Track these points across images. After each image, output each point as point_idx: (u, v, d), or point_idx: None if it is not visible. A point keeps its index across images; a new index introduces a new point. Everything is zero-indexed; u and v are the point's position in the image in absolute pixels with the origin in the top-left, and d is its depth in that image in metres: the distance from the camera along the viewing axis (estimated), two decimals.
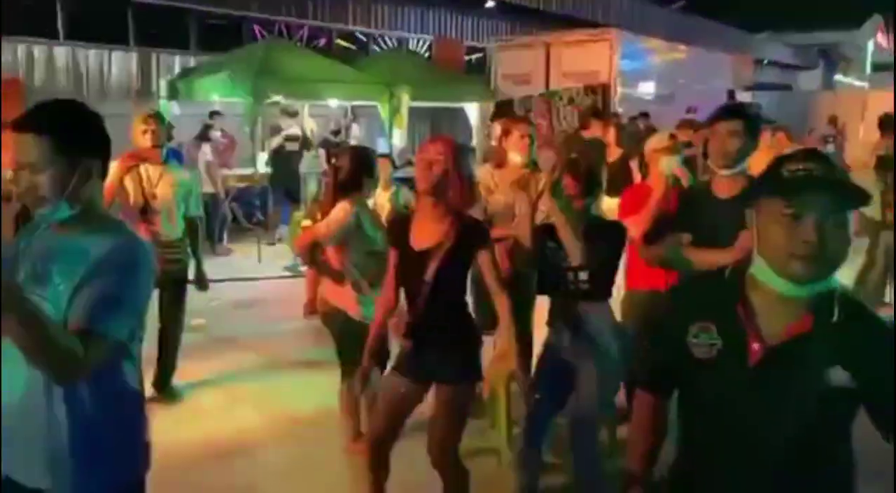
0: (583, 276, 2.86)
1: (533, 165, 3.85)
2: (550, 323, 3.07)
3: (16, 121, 1.52)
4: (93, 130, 1.59)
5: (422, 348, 2.63)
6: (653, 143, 3.51)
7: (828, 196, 1.32)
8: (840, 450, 1.44)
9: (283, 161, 8.71)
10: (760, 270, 1.40)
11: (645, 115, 9.72)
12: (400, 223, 2.71)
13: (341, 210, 3.21)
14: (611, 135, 7.49)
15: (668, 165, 3.24)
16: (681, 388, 1.56)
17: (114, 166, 3.76)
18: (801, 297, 1.36)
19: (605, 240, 2.90)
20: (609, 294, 3.00)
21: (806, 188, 1.32)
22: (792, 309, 1.38)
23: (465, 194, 2.54)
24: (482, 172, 3.93)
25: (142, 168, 3.95)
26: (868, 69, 25.44)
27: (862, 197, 1.34)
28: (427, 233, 2.57)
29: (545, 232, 3.03)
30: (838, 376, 1.34)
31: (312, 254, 3.37)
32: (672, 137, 3.53)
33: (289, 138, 8.80)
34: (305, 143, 8.98)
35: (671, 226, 2.93)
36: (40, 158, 1.50)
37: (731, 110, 2.91)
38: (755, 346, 1.39)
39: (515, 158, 3.74)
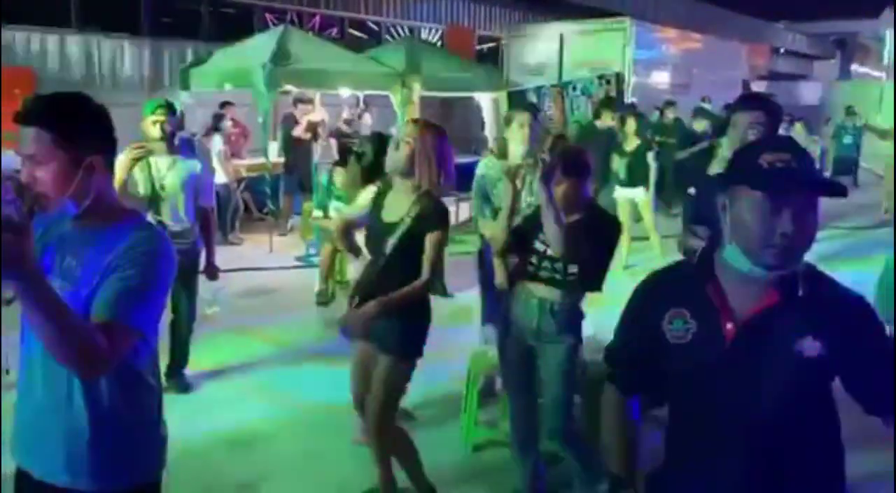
0: (562, 266, 2.77)
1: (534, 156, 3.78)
2: (514, 310, 2.96)
3: (16, 113, 1.49)
4: (96, 124, 1.55)
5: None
6: None
7: (805, 189, 1.36)
8: (823, 423, 1.47)
9: (298, 150, 8.68)
10: (733, 254, 1.43)
11: (671, 103, 9.62)
12: (380, 194, 2.90)
13: (369, 193, 3.37)
14: (629, 125, 7.43)
15: None
16: (659, 381, 1.56)
17: (121, 157, 3.76)
18: (768, 277, 1.41)
19: (593, 233, 2.77)
20: (594, 288, 2.86)
21: (785, 183, 1.34)
22: (760, 286, 1.42)
23: (431, 175, 2.71)
24: (484, 163, 3.90)
25: (151, 159, 3.93)
26: (886, 59, 25.10)
27: (837, 190, 1.38)
28: (394, 208, 2.75)
29: (534, 221, 2.95)
30: (810, 346, 1.38)
31: (348, 238, 3.46)
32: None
33: (308, 128, 8.74)
34: (317, 131, 8.95)
35: None
36: (41, 151, 1.47)
37: (752, 100, 2.87)
38: (728, 325, 1.42)
39: (516, 148, 3.70)
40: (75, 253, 1.53)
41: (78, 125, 1.51)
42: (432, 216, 2.70)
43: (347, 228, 3.18)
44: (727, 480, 1.44)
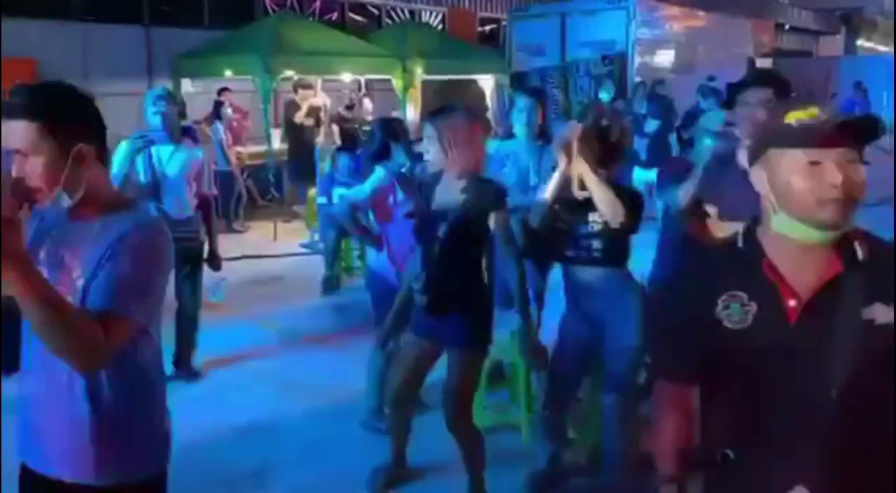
0: (597, 243, 2.79)
1: (541, 137, 3.75)
2: (566, 293, 3.00)
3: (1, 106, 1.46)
4: (81, 111, 1.52)
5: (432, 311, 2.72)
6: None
7: (841, 137, 1.31)
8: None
9: (300, 136, 8.63)
10: (784, 224, 1.37)
11: (660, 82, 9.47)
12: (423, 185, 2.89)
13: (376, 177, 3.44)
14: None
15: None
16: (714, 369, 1.48)
17: (123, 147, 3.75)
18: (825, 243, 1.35)
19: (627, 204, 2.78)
20: (626, 260, 2.91)
21: (820, 134, 1.31)
22: (818, 257, 1.36)
23: (470, 160, 2.69)
24: (493, 147, 3.87)
25: (153, 148, 3.92)
26: (894, 34, 24.81)
27: (872, 130, 1.33)
28: (444, 195, 2.71)
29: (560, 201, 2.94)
30: (883, 312, 1.33)
31: (355, 220, 3.53)
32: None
33: (309, 112, 8.70)
34: (319, 117, 8.90)
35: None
36: (28, 144, 1.44)
37: (761, 78, 2.82)
38: (791, 302, 1.35)
39: (520, 130, 3.67)
40: (70, 245, 1.51)
41: (62, 113, 1.48)
42: (488, 199, 2.66)
43: (354, 211, 3.18)
44: (803, 462, 1.37)
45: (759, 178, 1.41)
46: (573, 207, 2.81)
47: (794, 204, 1.34)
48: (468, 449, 2.89)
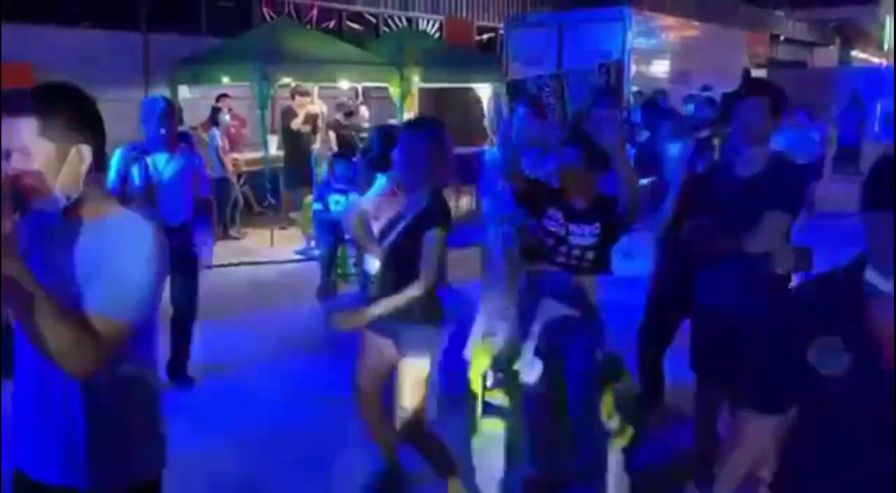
0: (589, 253, 2.82)
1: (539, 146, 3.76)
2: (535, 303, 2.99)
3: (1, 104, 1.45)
4: (82, 111, 1.52)
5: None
6: None
7: None
8: None
9: (296, 143, 8.61)
10: (874, 276, 1.29)
11: (707, 88, 9.43)
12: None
13: (380, 185, 3.42)
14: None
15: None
16: (803, 407, 1.41)
17: (118, 154, 3.75)
18: None
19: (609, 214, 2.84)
20: (606, 270, 2.93)
21: None
22: None
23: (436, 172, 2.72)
24: (490, 154, 3.88)
25: (149, 153, 3.93)
26: (886, 45, 24.97)
27: None
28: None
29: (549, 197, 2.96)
30: None
31: (361, 230, 3.52)
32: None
33: (306, 119, 8.70)
34: (315, 124, 8.89)
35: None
36: (28, 142, 1.44)
37: (758, 87, 2.84)
38: (891, 353, 1.26)
39: (517, 138, 3.67)
40: (65, 247, 1.50)
41: (63, 112, 1.48)
42: (431, 216, 2.67)
43: (361, 220, 3.18)
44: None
45: (867, 220, 1.30)
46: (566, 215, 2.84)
47: (877, 262, 1.25)
48: (429, 455, 2.92)
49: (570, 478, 3.04)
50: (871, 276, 1.30)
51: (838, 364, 1.30)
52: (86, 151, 1.50)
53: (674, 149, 3.35)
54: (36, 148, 1.44)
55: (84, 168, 1.50)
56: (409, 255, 2.66)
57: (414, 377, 2.78)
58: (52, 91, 1.50)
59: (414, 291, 2.65)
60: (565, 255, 2.83)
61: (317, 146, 8.61)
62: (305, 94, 8.70)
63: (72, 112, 1.50)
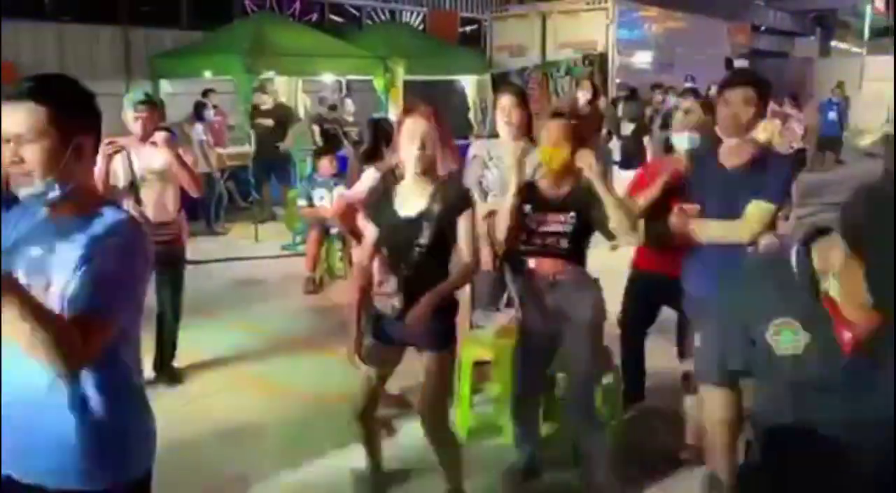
0: (563, 241, 2.82)
1: (524, 137, 3.74)
2: (526, 293, 3.00)
3: (7, 90, 1.45)
4: (87, 104, 1.53)
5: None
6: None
7: None
8: None
9: (262, 138, 8.57)
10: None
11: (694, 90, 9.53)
12: (387, 191, 2.79)
13: (369, 176, 3.44)
14: (601, 104, 7.45)
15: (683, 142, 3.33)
16: (759, 383, 1.45)
17: (101, 150, 3.70)
18: None
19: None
20: (583, 256, 2.94)
21: None
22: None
23: (447, 161, 2.66)
24: (476, 147, 3.86)
25: (132, 150, 3.89)
26: (866, 35, 25.18)
27: None
28: (411, 201, 2.67)
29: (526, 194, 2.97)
30: None
31: (349, 221, 3.49)
32: (686, 112, 3.59)
33: (262, 114, 8.65)
34: (283, 118, 8.85)
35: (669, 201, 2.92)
36: (31, 128, 1.43)
37: (744, 77, 2.84)
38: (847, 335, 1.29)
39: (501, 130, 3.66)
40: (48, 245, 1.49)
41: (72, 102, 1.50)
42: (459, 201, 2.66)
43: (350, 211, 3.15)
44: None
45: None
46: (542, 205, 2.85)
47: None
48: (445, 455, 2.86)
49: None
50: None
51: (793, 346, 1.34)
52: (88, 142, 1.51)
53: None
54: (42, 134, 1.44)
55: (82, 162, 1.50)
56: (447, 241, 2.66)
57: (441, 371, 2.73)
58: (62, 79, 1.52)
59: (467, 271, 2.66)
60: (539, 244, 2.84)
61: (287, 141, 8.60)
62: (264, 91, 8.69)
63: (80, 101, 1.51)
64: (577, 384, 2.94)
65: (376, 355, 2.77)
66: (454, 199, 2.65)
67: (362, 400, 2.84)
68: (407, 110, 2.74)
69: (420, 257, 2.62)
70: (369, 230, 2.79)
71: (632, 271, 3.60)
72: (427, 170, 2.62)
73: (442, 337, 2.72)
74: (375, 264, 2.89)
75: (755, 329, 1.39)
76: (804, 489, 1.38)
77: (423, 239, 2.61)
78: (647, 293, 3.55)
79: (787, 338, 1.35)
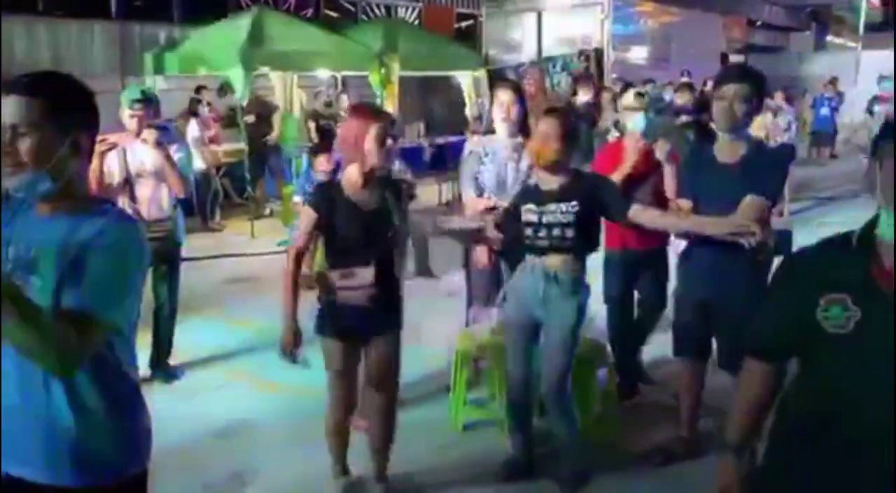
0: (568, 232, 2.82)
1: (521, 133, 3.74)
2: (518, 282, 3.02)
3: (7, 83, 1.45)
4: (85, 101, 1.54)
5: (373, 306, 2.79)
6: (624, 101, 3.81)
7: None
8: None
9: (249, 134, 8.55)
10: (885, 223, 1.29)
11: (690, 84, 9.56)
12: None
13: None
14: (605, 100, 7.43)
15: (635, 123, 3.45)
16: (803, 363, 1.43)
17: (96, 147, 3.69)
18: None
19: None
20: (591, 249, 2.96)
21: None
22: None
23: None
24: (472, 143, 3.86)
25: (126, 147, 3.88)
26: (861, 30, 25.21)
27: None
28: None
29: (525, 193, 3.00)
30: None
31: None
32: (639, 95, 3.75)
33: (243, 111, 8.62)
34: (264, 111, 8.81)
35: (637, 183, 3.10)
36: (28, 120, 1.43)
37: (738, 73, 2.84)
38: None
39: (498, 126, 3.66)
40: (41, 244, 1.48)
41: (70, 97, 1.50)
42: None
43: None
44: (870, 475, 1.28)
45: (873, 173, 1.31)
46: (541, 199, 2.85)
47: (893, 204, 1.26)
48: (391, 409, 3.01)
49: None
50: (884, 223, 1.30)
51: (843, 322, 1.32)
52: (83, 138, 1.51)
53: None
54: (38, 127, 1.44)
55: (77, 159, 1.50)
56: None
57: (398, 349, 2.90)
58: (60, 75, 1.53)
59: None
60: (546, 237, 2.83)
61: (272, 136, 8.63)
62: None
63: (77, 96, 1.52)
64: (549, 384, 2.93)
65: (344, 354, 2.87)
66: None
67: (339, 410, 2.92)
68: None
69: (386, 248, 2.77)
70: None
71: (605, 252, 3.67)
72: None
73: (397, 318, 2.89)
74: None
75: (810, 310, 1.36)
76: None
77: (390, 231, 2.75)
78: (623, 270, 3.66)
79: (836, 313, 1.33)
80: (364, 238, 2.74)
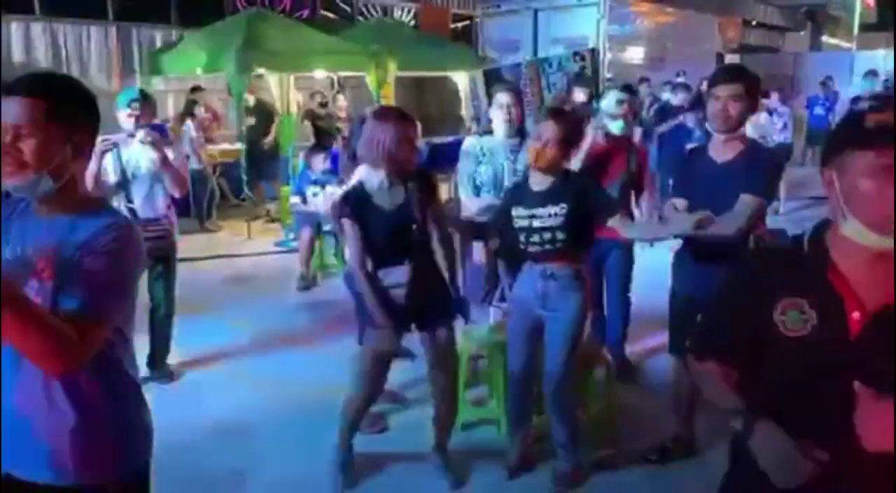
0: (560, 235, 2.83)
1: (518, 134, 3.75)
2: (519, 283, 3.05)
3: (9, 84, 1.45)
4: (87, 103, 1.54)
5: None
6: (604, 106, 3.93)
7: None
8: None
9: (247, 136, 8.55)
10: (853, 230, 1.28)
11: (686, 84, 9.57)
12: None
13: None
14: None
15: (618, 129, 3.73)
16: (762, 365, 1.42)
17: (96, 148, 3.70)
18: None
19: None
20: (586, 246, 2.98)
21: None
22: (888, 267, 1.26)
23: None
24: (469, 141, 3.88)
25: (122, 147, 3.88)
26: (856, 30, 25.30)
27: None
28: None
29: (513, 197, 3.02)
30: None
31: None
32: (620, 102, 3.85)
33: (246, 112, 8.63)
34: (266, 115, 8.82)
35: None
36: (31, 121, 1.44)
37: (733, 73, 2.86)
38: (855, 315, 1.28)
39: (498, 127, 3.67)
40: (39, 244, 1.49)
41: (72, 99, 1.51)
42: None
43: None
44: (839, 476, 1.27)
45: (828, 179, 1.32)
46: (531, 201, 2.87)
47: (862, 211, 1.26)
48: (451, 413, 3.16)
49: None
50: (849, 228, 1.30)
51: (800, 326, 1.32)
52: (84, 141, 1.52)
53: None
54: (40, 128, 1.44)
55: (77, 158, 1.51)
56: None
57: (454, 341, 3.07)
58: (63, 77, 1.55)
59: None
60: (538, 242, 2.85)
61: (269, 138, 8.64)
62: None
63: (80, 99, 1.53)
64: (551, 381, 2.95)
65: (394, 340, 2.89)
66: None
67: (374, 386, 3.00)
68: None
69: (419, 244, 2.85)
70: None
71: None
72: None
73: (451, 309, 3.03)
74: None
75: (766, 312, 1.37)
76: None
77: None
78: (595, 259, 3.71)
79: (793, 317, 1.33)
80: (392, 238, 2.81)
